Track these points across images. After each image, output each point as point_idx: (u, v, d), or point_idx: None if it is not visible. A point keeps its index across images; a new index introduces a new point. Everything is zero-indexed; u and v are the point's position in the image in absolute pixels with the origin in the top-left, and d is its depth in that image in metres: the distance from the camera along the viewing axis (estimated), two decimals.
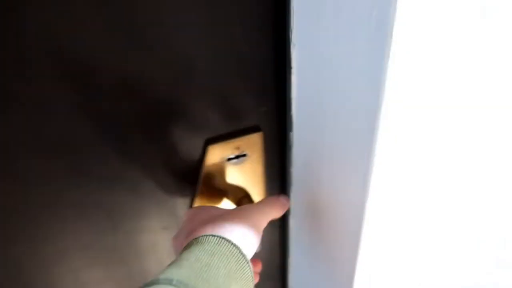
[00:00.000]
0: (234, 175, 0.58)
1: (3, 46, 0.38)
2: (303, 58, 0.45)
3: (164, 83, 0.47)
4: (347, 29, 0.35)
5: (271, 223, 0.45)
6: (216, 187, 0.58)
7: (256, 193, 0.61)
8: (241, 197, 0.61)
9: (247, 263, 0.36)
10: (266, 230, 0.55)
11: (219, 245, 0.35)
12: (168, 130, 0.51)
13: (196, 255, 0.33)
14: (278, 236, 0.70)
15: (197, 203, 0.58)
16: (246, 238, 0.38)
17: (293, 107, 0.52)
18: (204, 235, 0.36)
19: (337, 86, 0.39)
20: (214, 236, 0.36)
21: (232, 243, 0.35)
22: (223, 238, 0.35)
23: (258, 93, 0.53)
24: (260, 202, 0.47)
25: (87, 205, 0.51)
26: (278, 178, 0.62)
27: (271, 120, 0.56)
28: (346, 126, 0.40)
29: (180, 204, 0.58)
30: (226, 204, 0.60)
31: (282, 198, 0.46)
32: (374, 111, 0.33)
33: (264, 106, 0.53)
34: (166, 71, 0.46)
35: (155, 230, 0.58)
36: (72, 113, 0.44)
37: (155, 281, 0.30)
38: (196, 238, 0.36)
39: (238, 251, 0.35)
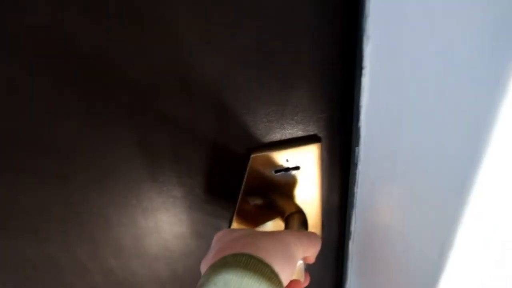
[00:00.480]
0: (284, 189, 0.49)
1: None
2: (380, 55, 0.35)
3: (204, 79, 0.40)
4: (449, 13, 0.23)
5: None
6: (261, 200, 0.50)
7: (310, 212, 0.51)
8: (292, 212, 0.52)
9: (281, 284, 0.32)
10: (323, 252, 0.48)
11: (248, 265, 0.31)
12: (208, 135, 0.44)
13: (225, 278, 0.30)
14: (335, 259, 0.63)
15: (238, 214, 0.51)
16: (279, 260, 0.34)
17: (362, 116, 0.42)
18: (232, 254, 0.32)
19: (426, 93, 0.29)
20: (243, 254, 0.32)
21: (263, 262, 0.32)
22: (253, 256, 0.32)
23: (316, 95, 0.43)
24: (297, 231, 0.41)
25: (131, 207, 0.47)
26: (338, 197, 0.53)
27: (332, 130, 0.46)
28: (432, 144, 0.30)
29: (220, 212, 0.52)
30: (273, 220, 0.52)
31: (318, 236, 0.42)
32: (484, 127, 0.22)
33: (325, 112, 0.43)
34: (209, 65, 0.39)
35: (190, 236, 0.53)
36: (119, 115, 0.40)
37: None
38: (223, 257, 0.32)
39: (269, 270, 0.31)
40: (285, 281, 0.34)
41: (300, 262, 0.43)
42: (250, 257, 0.32)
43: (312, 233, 0.42)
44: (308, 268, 0.56)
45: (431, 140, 0.29)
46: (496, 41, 0.20)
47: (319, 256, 0.54)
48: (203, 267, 0.36)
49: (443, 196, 0.29)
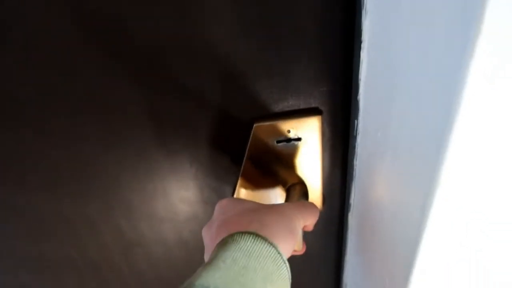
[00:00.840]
0: (286, 160, 0.51)
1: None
2: (378, 29, 0.36)
3: (209, 51, 0.42)
4: None
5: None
6: (264, 170, 0.52)
7: (311, 184, 0.53)
8: (294, 183, 0.54)
9: (284, 263, 0.34)
10: (323, 225, 0.48)
11: (255, 244, 0.33)
12: (214, 103, 0.46)
13: (232, 256, 0.32)
14: (335, 232, 0.64)
15: (242, 182, 0.53)
16: (282, 235, 0.36)
17: (361, 90, 0.42)
18: (240, 233, 0.34)
19: (419, 69, 0.29)
20: (250, 234, 0.34)
21: (268, 242, 0.34)
22: (259, 236, 0.34)
23: (318, 69, 0.44)
24: (297, 203, 0.44)
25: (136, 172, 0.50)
26: (338, 170, 0.54)
27: (333, 103, 0.47)
28: (423, 119, 0.31)
29: (223, 179, 0.54)
30: (274, 189, 0.54)
31: (316, 206, 0.44)
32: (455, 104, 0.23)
33: (326, 86, 0.44)
34: (214, 36, 0.41)
35: (195, 201, 0.55)
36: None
37: (191, 287, 0.28)
38: (231, 235, 0.34)
39: (275, 251, 0.34)
40: (287, 254, 0.36)
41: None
42: (256, 236, 0.34)
43: (311, 203, 0.44)
44: (310, 240, 0.59)
45: (414, 112, 0.31)
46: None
47: (321, 229, 0.56)
48: (205, 234, 0.39)
49: (422, 164, 0.31)
